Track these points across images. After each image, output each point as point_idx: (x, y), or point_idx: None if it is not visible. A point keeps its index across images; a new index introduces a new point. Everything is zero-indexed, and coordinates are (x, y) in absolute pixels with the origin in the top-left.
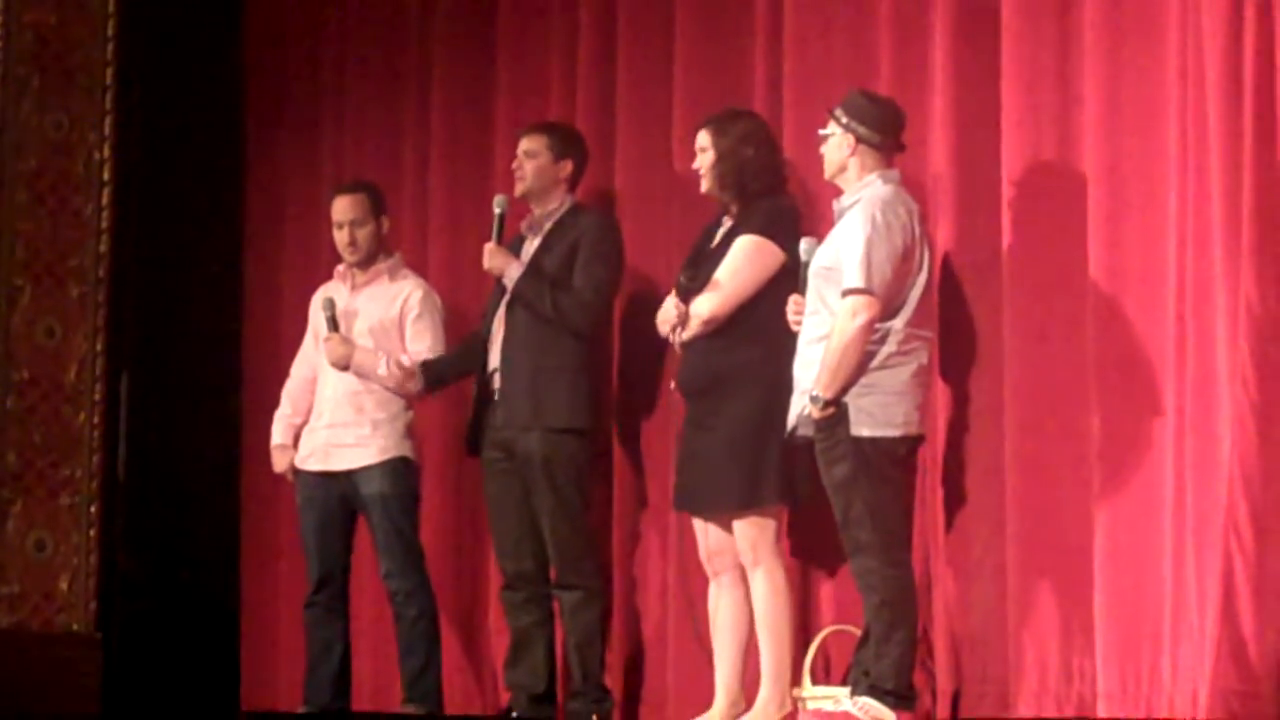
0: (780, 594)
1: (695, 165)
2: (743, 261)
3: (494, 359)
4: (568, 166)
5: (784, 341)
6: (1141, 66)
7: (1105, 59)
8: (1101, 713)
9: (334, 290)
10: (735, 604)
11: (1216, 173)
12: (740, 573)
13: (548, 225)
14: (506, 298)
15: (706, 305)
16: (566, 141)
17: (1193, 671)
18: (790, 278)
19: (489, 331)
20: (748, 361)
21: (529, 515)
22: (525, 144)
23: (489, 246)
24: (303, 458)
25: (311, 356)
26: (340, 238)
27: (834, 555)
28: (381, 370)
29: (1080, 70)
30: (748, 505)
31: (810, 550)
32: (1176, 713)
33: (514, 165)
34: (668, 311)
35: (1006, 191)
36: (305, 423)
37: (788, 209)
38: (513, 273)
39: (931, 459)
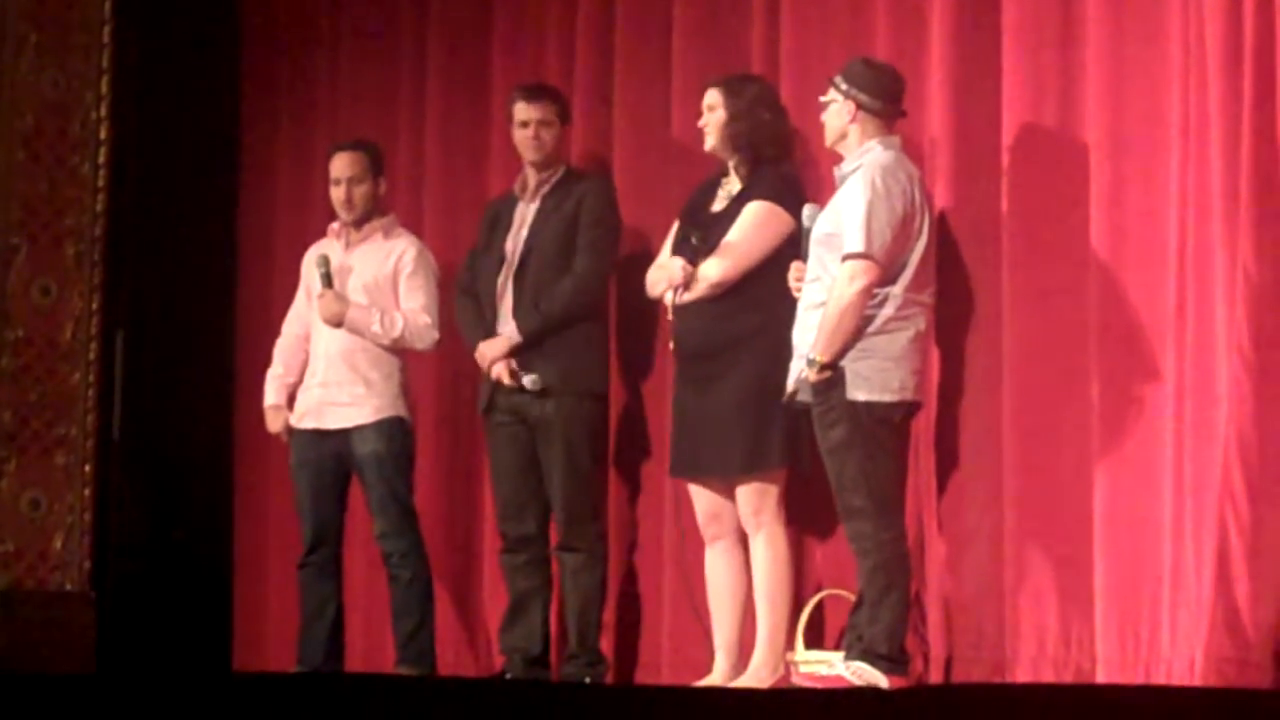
0: (782, 559)
1: (701, 123)
2: (755, 227)
3: (504, 326)
4: (567, 131)
5: (785, 307)
6: (1143, 32)
7: (1108, 24)
8: (1100, 679)
9: (327, 248)
10: (733, 569)
11: (1216, 140)
12: (738, 537)
13: (544, 190)
14: (512, 273)
15: (717, 269)
16: (567, 107)
17: (1191, 638)
18: (792, 244)
19: (493, 297)
20: (751, 326)
21: (534, 479)
22: (537, 111)
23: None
24: (297, 416)
25: (304, 314)
26: (337, 194)
27: (828, 520)
28: (375, 327)
29: (1083, 36)
30: (752, 468)
31: (804, 515)
32: (1175, 680)
33: (529, 134)
34: (664, 272)
35: (1006, 157)
36: (298, 382)
37: (794, 176)
38: (511, 333)
39: (925, 422)
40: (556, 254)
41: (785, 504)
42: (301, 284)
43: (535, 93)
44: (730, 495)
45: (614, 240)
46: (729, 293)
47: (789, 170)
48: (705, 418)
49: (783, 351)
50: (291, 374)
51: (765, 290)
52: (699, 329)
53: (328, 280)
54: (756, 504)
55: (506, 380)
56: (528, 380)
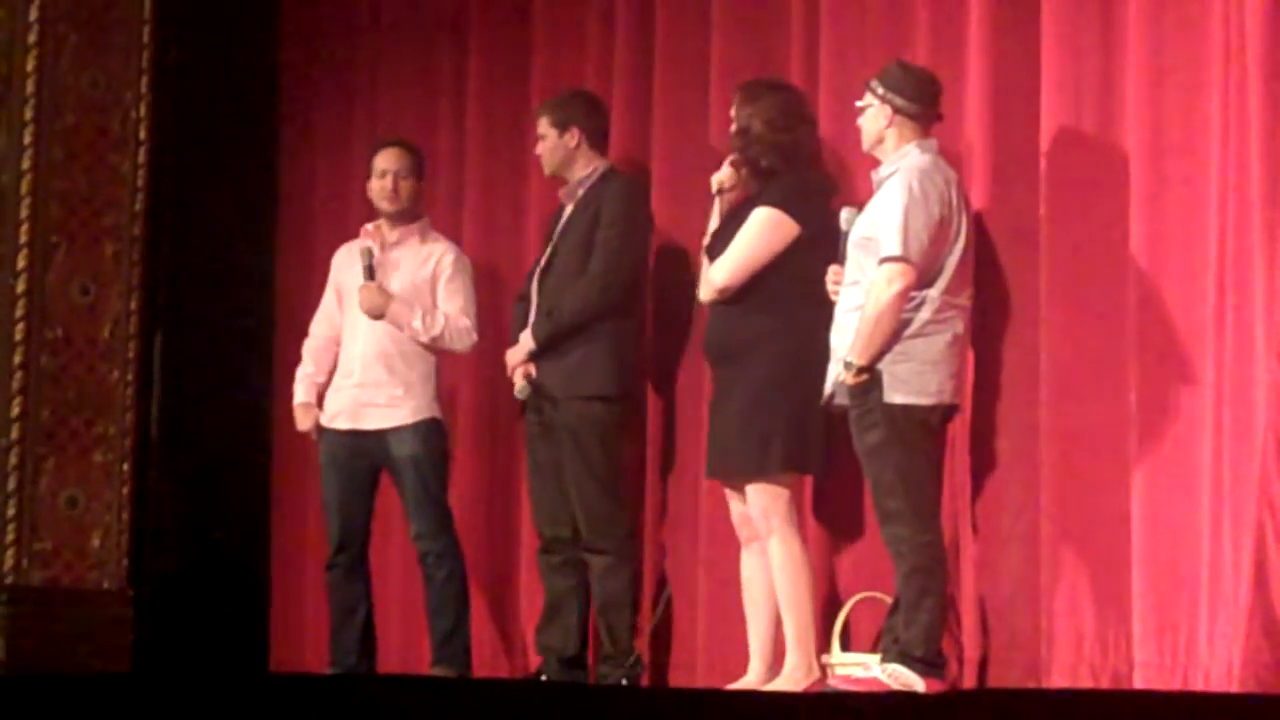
0: (796, 562)
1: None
2: (755, 233)
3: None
4: (575, 134)
5: (799, 312)
6: (1183, 36)
7: (1147, 27)
8: (1137, 684)
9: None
10: (766, 571)
11: (1256, 144)
12: None
13: (580, 192)
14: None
15: (721, 274)
16: (565, 111)
17: (1229, 643)
18: (806, 249)
19: (528, 300)
20: (761, 331)
21: (566, 480)
22: (537, 129)
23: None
24: (330, 416)
25: (333, 314)
26: (382, 186)
27: (862, 523)
28: (416, 323)
29: (1122, 39)
30: (757, 472)
31: (839, 518)
32: (1213, 686)
33: (536, 150)
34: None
35: (1044, 160)
36: (328, 381)
37: (809, 182)
38: (527, 342)
39: (961, 424)
40: (577, 256)
41: (803, 508)
42: (330, 284)
43: (539, 110)
44: None
45: (631, 240)
46: (739, 297)
47: (806, 176)
48: (721, 420)
49: (797, 355)
50: (322, 373)
51: (776, 294)
52: (717, 333)
53: (370, 273)
54: (765, 507)
55: (518, 386)
56: (517, 389)
